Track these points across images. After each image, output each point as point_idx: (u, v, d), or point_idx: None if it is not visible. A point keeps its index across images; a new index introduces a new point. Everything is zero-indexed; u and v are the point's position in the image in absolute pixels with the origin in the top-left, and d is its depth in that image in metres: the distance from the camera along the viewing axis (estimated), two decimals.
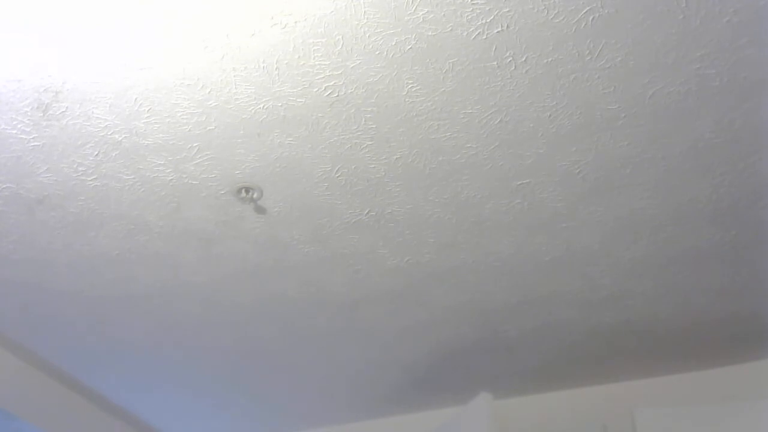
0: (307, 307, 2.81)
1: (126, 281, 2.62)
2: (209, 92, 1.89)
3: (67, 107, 1.93)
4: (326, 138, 2.04)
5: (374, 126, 2.01)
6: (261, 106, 1.94)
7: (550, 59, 1.82)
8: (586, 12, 1.71)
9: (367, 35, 1.75)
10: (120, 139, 2.03)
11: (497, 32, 1.75)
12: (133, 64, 1.81)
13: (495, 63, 1.83)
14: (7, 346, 3.01)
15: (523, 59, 1.82)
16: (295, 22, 1.71)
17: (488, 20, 1.72)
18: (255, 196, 2.23)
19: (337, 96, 1.91)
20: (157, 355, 3.11)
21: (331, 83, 1.87)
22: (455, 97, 1.92)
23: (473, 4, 1.68)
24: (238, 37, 1.75)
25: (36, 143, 2.04)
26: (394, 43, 1.77)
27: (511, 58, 1.82)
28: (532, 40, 1.77)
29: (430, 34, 1.75)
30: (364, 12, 1.69)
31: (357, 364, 3.22)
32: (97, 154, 2.08)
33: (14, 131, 2.00)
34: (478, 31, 1.75)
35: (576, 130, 2.04)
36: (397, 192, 2.25)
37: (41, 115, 1.95)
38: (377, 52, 1.80)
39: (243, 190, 2.22)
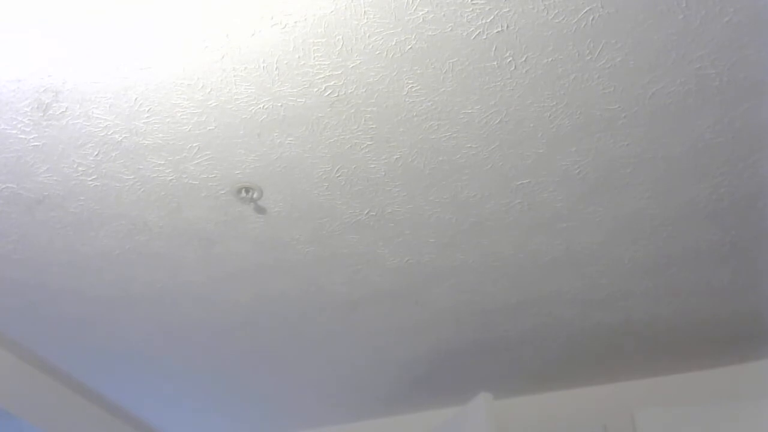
0: (306, 307, 2.81)
1: (126, 281, 2.62)
2: (209, 92, 1.89)
3: (67, 107, 1.93)
4: (326, 138, 2.04)
5: (374, 126, 2.01)
6: (261, 106, 1.94)
7: (550, 59, 1.82)
8: (586, 12, 1.71)
9: (367, 35, 1.75)
10: (120, 139, 2.03)
11: (497, 32, 1.75)
12: (133, 64, 1.81)
13: (495, 63, 1.83)
14: (7, 346, 3.02)
15: (523, 59, 1.82)
16: (295, 22, 1.71)
17: (488, 20, 1.72)
18: (255, 196, 2.23)
19: (337, 96, 1.91)
20: (156, 354, 3.11)
21: (331, 83, 1.87)
22: (455, 97, 1.92)
23: (473, 4, 1.68)
24: (238, 37, 1.75)
25: (36, 143, 2.04)
26: (394, 43, 1.77)
27: (511, 58, 1.82)
28: (532, 40, 1.77)
29: (430, 34, 1.75)
30: (364, 12, 1.69)
31: (357, 363, 3.22)
32: (97, 154, 2.08)
33: (14, 131, 2.00)
34: (478, 31, 1.75)
35: (576, 130, 2.04)
36: (397, 192, 2.25)
37: (41, 115, 1.95)
38: (377, 52, 1.80)
39: (243, 190, 2.22)
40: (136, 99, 1.91)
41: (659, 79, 1.89)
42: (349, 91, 1.90)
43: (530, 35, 1.76)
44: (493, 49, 1.79)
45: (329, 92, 1.90)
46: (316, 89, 1.89)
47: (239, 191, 2.22)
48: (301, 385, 3.41)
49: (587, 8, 1.70)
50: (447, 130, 2.03)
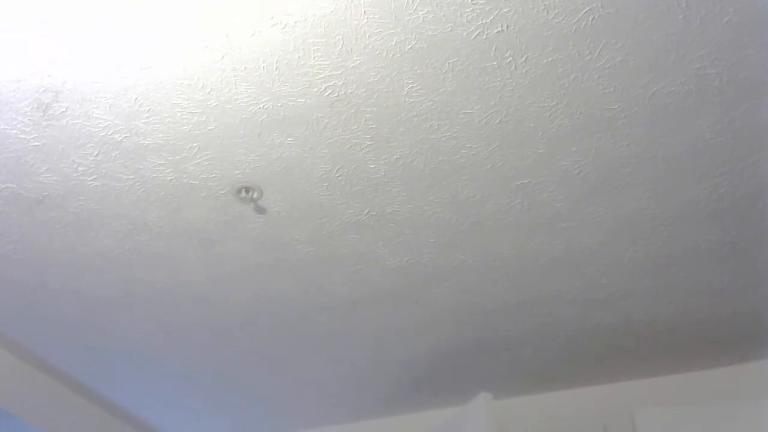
0: (306, 307, 2.81)
1: (126, 281, 2.62)
2: (209, 92, 1.89)
3: (67, 107, 1.93)
4: (326, 138, 2.04)
5: (374, 126, 2.01)
6: (261, 106, 1.94)
7: (550, 59, 1.82)
8: (586, 12, 1.71)
9: (367, 35, 1.75)
10: (120, 139, 2.03)
11: (497, 32, 1.75)
12: (133, 64, 1.81)
13: (495, 63, 1.83)
14: (7, 346, 3.01)
15: (523, 59, 1.82)
16: (295, 22, 1.71)
17: (488, 20, 1.72)
18: (255, 196, 2.23)
19: (337, 96, 1.91)
20: (156, 354, 3.11)
21: (331, 83, 1.88)
22: (455, 97, 1.92)
23: (473, 4, 1.68)
24: (238, 37, 1.75)
25: (36, 143, 2.04)
26: (394, 43, 1.77)
27: (511, 58, 1.82)
28: (532, 40, 1.77)
29: (430, 34, 1.75)
30: (364, 12, 1.69)
31: (357, 363, 3.22)
32: (97, 154, 2.08)
33: (14, 131, 2.00)
34: (478, 31, 1.75)
35: (576, 130, 2.04)
36: (397, 192, 2.25)
37: (41, 115, 1.95)
38: (377, 52, 1.80)
39: (243, 190, 2.22)
40: (136, 99, 1.91)
41: (659, 79, 1.89)
42: (349, 91, 1.90)
43: (530, 35, 1.76)
44: (493, 49, 1.79)
45: (329, 92, 1.90)
46: (316, 89, 1.89)
47: (239, 191, 2.22)
48: (301, 385, 3.41)
49: (587, 8, 1.70)
50: (447, 130, 2.03)
